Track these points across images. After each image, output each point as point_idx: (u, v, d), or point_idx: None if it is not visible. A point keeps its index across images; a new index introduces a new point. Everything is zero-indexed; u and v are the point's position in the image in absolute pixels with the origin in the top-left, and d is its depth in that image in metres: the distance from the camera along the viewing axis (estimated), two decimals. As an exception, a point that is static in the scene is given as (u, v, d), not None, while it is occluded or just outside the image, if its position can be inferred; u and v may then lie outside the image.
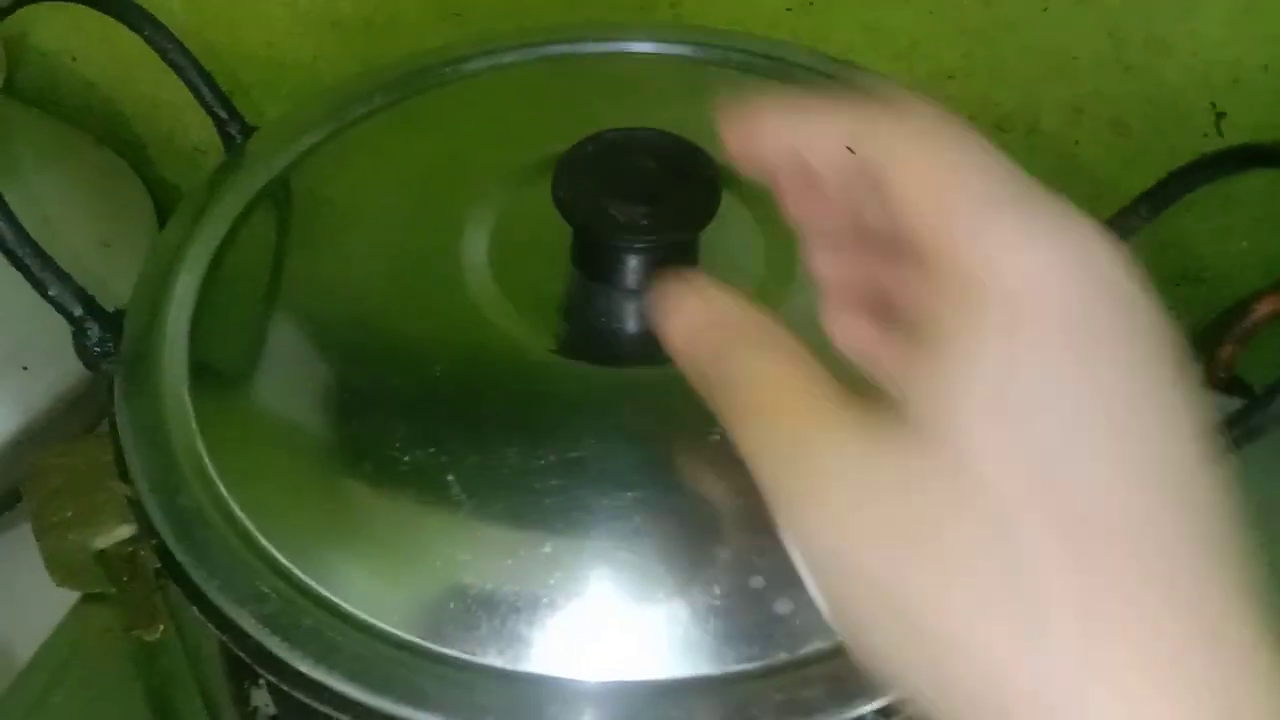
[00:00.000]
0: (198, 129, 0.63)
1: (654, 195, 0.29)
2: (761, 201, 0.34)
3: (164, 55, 0.35)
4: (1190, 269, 0.60)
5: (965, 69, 0.52)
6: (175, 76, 0.36)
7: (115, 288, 0.33)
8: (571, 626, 0.26)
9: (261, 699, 0.36)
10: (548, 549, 0.27)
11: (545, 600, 0.26)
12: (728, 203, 0.32)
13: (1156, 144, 0.52)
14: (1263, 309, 0.57)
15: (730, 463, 0.28)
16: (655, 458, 0.28)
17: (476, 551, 0.27)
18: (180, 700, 0.38)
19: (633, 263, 0.29)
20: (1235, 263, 0.58)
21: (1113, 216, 0.35)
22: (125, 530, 0.39)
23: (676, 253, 0.30)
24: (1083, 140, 0.53)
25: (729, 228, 0.32)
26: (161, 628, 0.38)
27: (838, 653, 0.26)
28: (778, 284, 0.32)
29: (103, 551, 0.38)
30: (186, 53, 0.36)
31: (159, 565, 0.36)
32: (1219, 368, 0.58)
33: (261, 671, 0.26)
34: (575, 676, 0.26)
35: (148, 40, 0.35)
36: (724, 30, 0.42)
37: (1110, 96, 0.51)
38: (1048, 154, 0.54)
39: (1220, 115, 0.51)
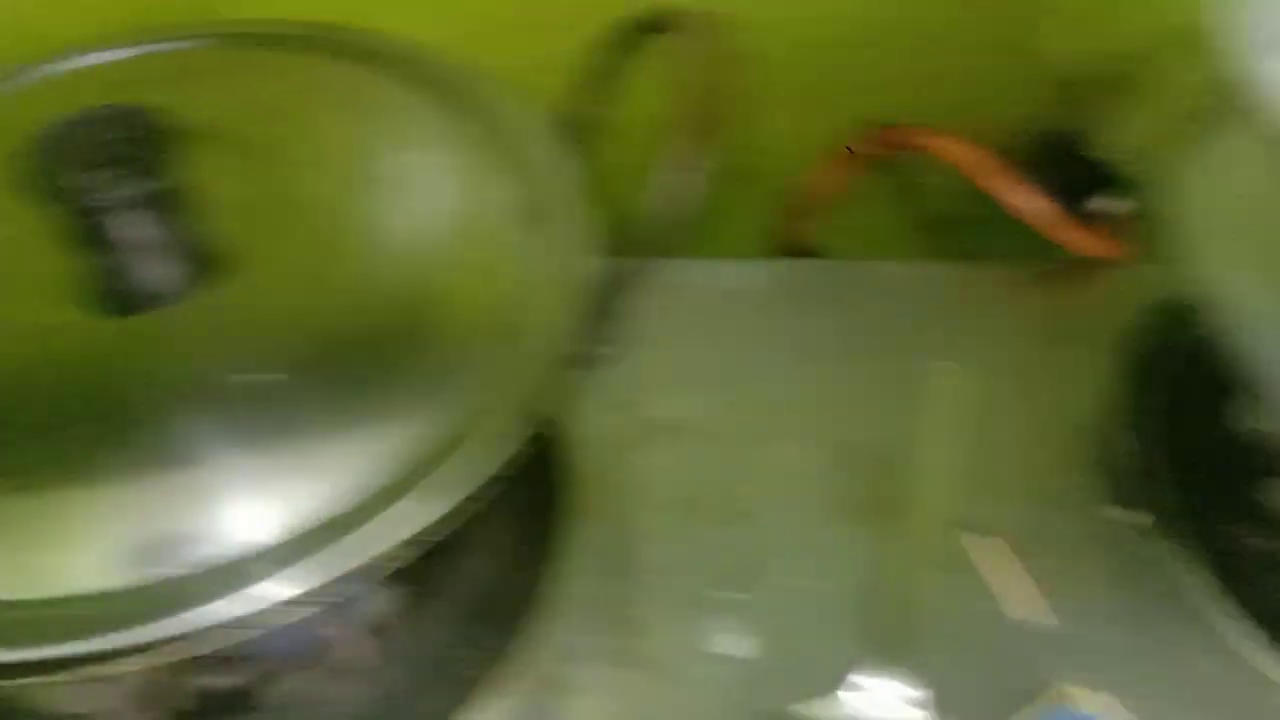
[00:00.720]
0: None
1: (116, 158, 0.32)
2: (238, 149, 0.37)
3: None
4: (748, 164, 0.67)
5: None
6: None
7: None
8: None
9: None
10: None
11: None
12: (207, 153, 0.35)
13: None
14: (813, 183, 0.65)
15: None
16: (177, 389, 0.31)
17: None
18: None
19: (115, 221, 0.32)
20: (783, 148, 0.66)
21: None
22: None
23: (153, 204, 0.33)
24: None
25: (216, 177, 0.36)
26: None
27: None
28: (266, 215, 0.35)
29: None
30: None
31: None
32: (793, 240, 0.66)
33: None
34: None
35: None
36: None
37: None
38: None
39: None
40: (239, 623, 0.27)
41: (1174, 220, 0.42)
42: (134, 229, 0.32)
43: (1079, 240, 0.55)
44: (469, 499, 0.30)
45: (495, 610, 0.39)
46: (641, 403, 0.47)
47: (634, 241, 0.35)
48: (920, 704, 0.37)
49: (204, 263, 0.34)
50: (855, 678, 0.38)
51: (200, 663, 0.34)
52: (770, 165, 0.66)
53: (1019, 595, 0.41)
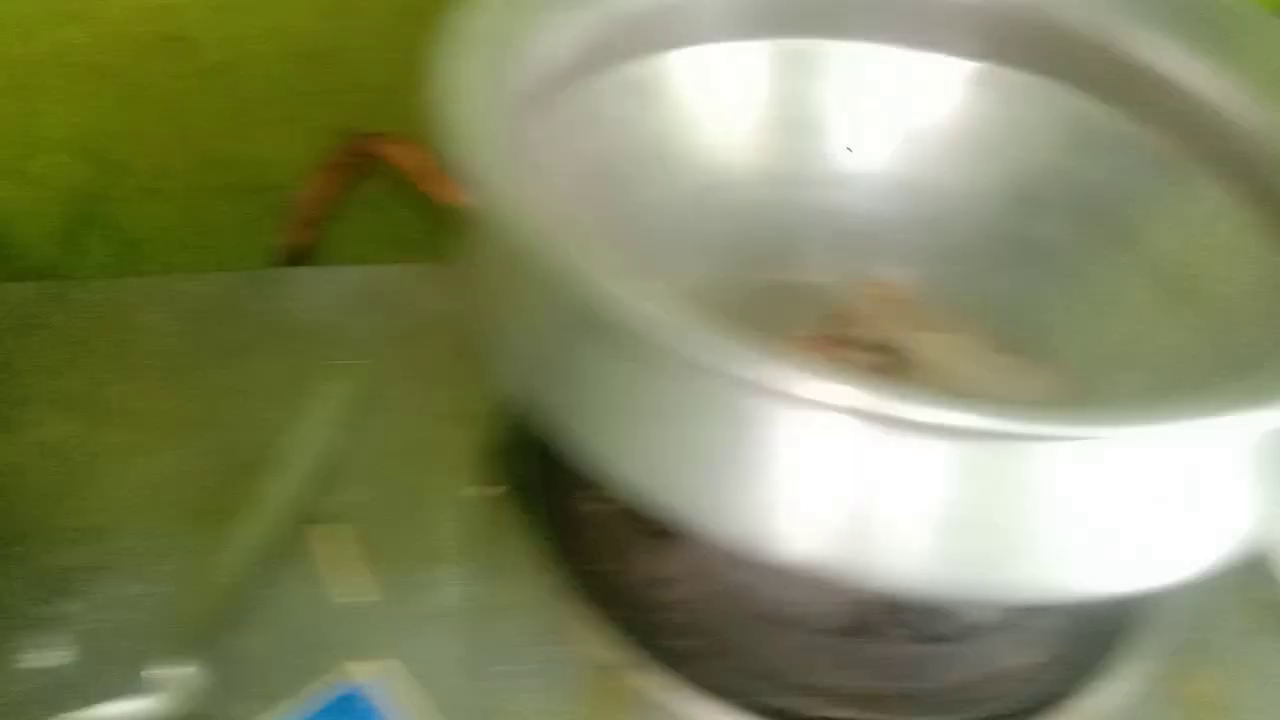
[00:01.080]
0: None
1: None
2: None
3: None
4: (244, 179, 0.67)
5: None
6: None
7: None
8: None
9: None
10: None
11: None
12: None
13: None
14: (306, 193, 0.66)
15: None
16: None
17: None
18: None
19: None
20: (278, 160, 0.66)
21: None
22: None
23: None
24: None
25: None
26: None
27: None
28: None
29: None
30: None
31: None
32: (293, 250, 0.66)
33: None
34: None
35: None
36: None
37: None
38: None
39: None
40: None
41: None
42: None
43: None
44: None
45: None
46: (15, 426, 0.47)
47: None
48: (210, 693, 0.38)
49: None
50: (152, 674, 0.39)
51: None
52: (267, 178, 0.67)
53: (349, 579, 0.43)
